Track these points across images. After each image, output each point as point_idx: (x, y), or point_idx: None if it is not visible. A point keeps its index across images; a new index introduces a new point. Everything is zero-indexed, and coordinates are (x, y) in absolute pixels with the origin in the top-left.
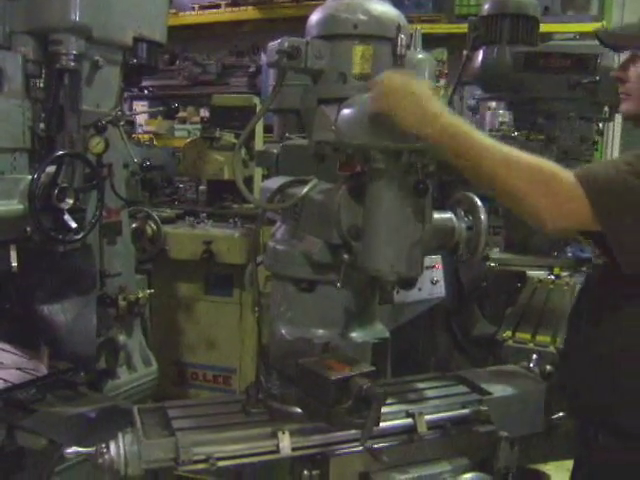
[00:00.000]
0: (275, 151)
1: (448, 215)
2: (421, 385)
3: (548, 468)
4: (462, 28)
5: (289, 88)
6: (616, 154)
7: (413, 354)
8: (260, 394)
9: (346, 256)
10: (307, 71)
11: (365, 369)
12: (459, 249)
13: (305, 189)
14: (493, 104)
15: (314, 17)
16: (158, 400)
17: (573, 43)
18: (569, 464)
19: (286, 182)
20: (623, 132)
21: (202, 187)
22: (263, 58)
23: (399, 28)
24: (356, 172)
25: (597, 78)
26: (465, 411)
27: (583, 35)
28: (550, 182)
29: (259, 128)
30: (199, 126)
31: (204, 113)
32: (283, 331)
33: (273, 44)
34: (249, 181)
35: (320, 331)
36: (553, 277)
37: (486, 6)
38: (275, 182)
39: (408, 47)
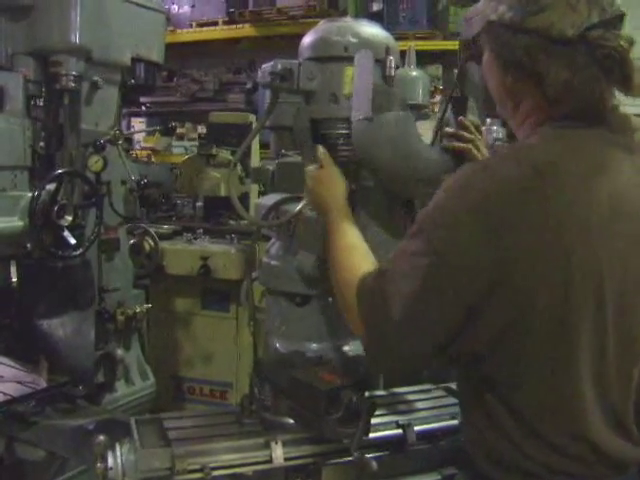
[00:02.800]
0: (271, 168)
1: None
2: (411, 397)
3: None
4: (457, 44)
5: (285, 106)
6: None
7: None
8: (254, 405)
9: None
10: (299, 92)
11: (356, 381)
12: None
13: (299, 206)
14: (488, 120)
15: (306, 39)
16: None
17: None
18: None
19: (280, 199)
20: None
21: (199, 203)
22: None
23: (388, 50)
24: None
25: None
26: (454, 422)
27: None
28: (347, 296)
29: (255, 145)
30: (196, 143)
31: (202, 130)
32: (277, 345)
33: (266, 66)
34: (245, 198)
35: (313, 345)
36: None
37: None
38: (270, 199)
39: (397, 67)
